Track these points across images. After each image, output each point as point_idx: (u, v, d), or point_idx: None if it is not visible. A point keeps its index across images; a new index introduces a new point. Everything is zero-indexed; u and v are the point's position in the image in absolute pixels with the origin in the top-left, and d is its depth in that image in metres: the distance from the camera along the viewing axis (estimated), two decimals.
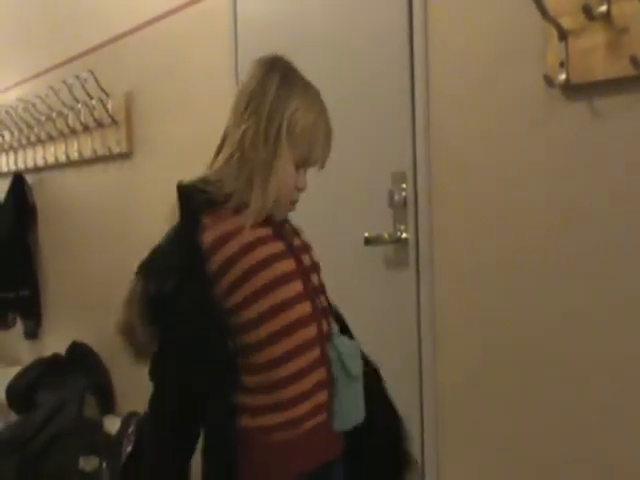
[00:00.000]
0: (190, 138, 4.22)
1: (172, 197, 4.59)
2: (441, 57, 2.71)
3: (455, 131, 2.67)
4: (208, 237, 2.00)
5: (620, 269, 2.19)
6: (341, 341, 2.12)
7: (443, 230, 2.75)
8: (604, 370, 2.28)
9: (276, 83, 2.07)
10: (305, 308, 2.03)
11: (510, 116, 2.47)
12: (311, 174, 2.10)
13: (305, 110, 2.05)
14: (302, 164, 2.07)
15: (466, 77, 2.62)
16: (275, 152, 2.02)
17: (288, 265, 2.02)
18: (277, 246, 2.03)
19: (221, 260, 1.97)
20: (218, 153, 2.15)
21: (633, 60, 2.05)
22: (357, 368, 2.12)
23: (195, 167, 4.31)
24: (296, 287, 2.02)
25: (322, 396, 2.07)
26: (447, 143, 2.70)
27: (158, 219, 4.72)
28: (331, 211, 3.16)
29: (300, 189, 2.10)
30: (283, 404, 2.03)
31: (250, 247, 1.98)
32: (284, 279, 2.00)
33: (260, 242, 2.00)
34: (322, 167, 2.13)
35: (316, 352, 2.05)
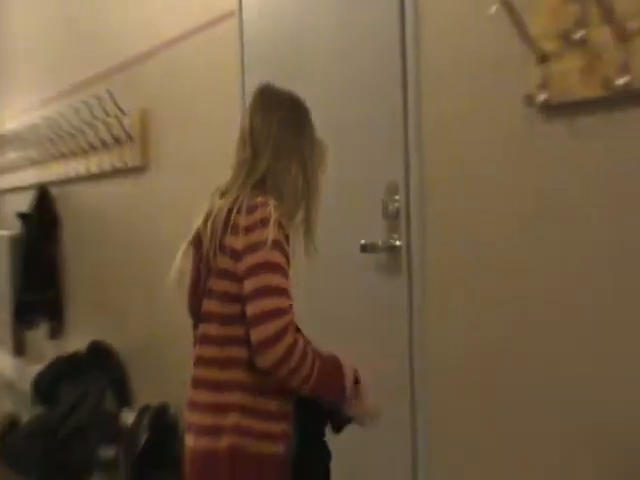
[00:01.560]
0: (200, 153, 4.25)
1: (183, 207, 4.63)
2: (432, 78, 2.73)
3: (444, 146, 2.69)
4: None
5: (601, 277, 2.20)
6: None
7: (433, 239, 2.76)
8: (594, 369, 2.24)
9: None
10: None
11: (495, 132, 2.50)
12: None
13: None
14: None
15: (455, 96, 2.64)
16: None
17: None
18: None
19: None
20: None
21: (606, 82, 2.07)
22: None
23: (204, 180, 4.33)
24: None
25: None
26: (437, 158, 2.72)
27: (170, 228, 4.75)
28: (329, 221, 3.12)
29: None
30: None
31: None
32: None
33: None
34: None
35: None
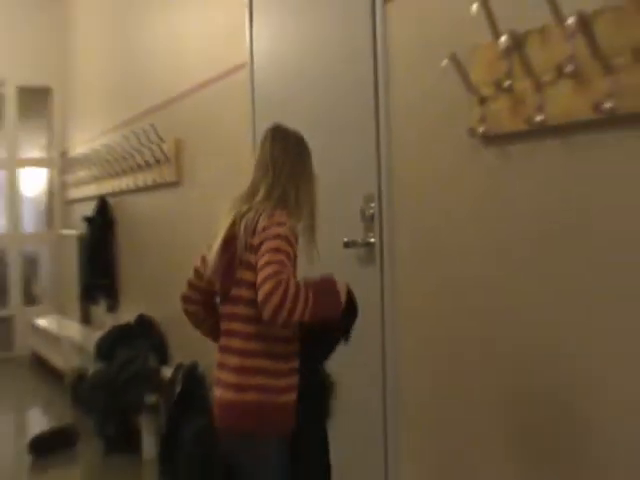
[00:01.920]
0: (221, 173, 4.24)
1: (207, 213, 4.61)
2: (399, 113, 2.72)
3: (409, 166, 2.68)
4: None
5: (539, 262, 2.18)
6: None
7: (400, 236, 2.75)
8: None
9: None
10: None
11: (447, 156, 2.49)
12: None
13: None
14: None
15: (417, 128, 2.63)
16: None
17: None
18: None
19: None
20: None
21: (528, 119, 2.07)
22: None
23: (224, 193, 4.29)
24: None
25: None
26: (403, 175, 2.72)
27: (198, 229, 4.74)
28: (319, 223, 3.15)
29: None
30: None
31: None
32: None
33: None
34: None
35: None
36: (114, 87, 6.46)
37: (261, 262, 1.96)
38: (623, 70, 1.81)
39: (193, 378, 4.39)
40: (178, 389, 4.33)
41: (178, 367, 4.52)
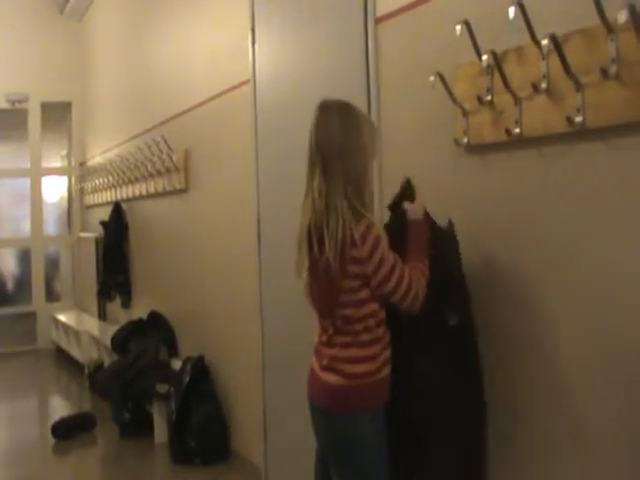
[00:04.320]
0: (225, 180, 4.24)
1: (214, 217, 4.59)
2: (389, 123, 2.69)
3: (398, 171, 2.63)
4: None
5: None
6: None
7: None
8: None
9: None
10: None
11: (434, 163, 2.47)
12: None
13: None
14: None
15: (407, 137, 2.61)
16: None
17: None
18: None
19: None
20: None
21: (507, 131, 2.07)
22: None
23: (228, 199, 4.30)
24: None
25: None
26: (393, 182, 2.67)
27: (205, 232, 4.71)
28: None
29: None
30: None
31: None
32: None
33: None
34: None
35: None
36: (128, 102, 6.45)
37: (378, 279, 1.95)
38: (591, 87, 1.81)
39: (199, 370, 4.40)
40: (187, 379, 4.33)
41: (187, 359, 4.52)
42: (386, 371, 2.03)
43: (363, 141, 2.04)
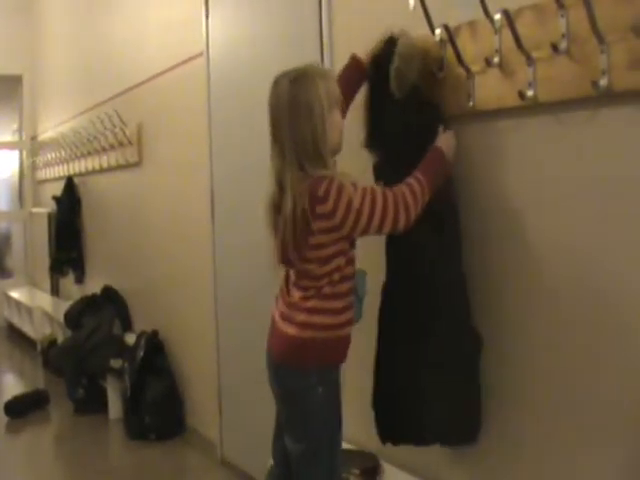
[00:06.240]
0: (178, 154, 4.17)
1: (166, 191, 4.53)
2: None
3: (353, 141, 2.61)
4: None
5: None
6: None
7: None
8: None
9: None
10: None
11: None
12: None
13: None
14: None
15: (359, 110, 2.52)
16: None
17: None
18: None
19: None
20: None
21: (460, 105, 2.04)
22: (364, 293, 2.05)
23: (181, 172, 4.23)
24: None
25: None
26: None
27: (157, 206, 4.66)
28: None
29: None
30: None
31: None
32: None
33: None
34: None
35: None
36: (80, 75, 6.28)
37: (350, 224, 1.86)
38: (542, 62, 1.80)
39: (153, 344, 4.36)
40: (141, 354, 4.29)
41: (140, 334, 4.48)
42: (347, 331, 1.97)
43: (317, 94, 1.88)
